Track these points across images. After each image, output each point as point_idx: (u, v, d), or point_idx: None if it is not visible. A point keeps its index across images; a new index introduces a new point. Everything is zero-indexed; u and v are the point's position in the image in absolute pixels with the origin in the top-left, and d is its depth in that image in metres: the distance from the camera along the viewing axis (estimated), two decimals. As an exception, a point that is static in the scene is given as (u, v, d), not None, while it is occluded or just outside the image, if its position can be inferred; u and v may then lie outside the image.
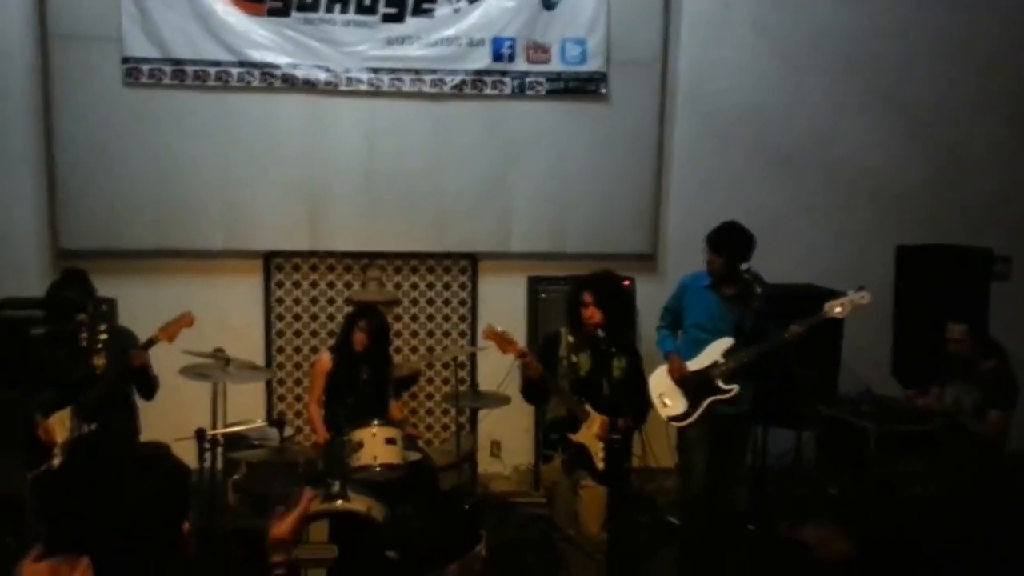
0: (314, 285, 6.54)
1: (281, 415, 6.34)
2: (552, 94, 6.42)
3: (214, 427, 4.86)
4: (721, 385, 4.93)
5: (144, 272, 6.21)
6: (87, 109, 6.08)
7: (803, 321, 4.88)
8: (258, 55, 6.16)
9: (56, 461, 4.31)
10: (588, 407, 4.42)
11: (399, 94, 6.32)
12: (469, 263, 6.65)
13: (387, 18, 6.25)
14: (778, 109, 6.73)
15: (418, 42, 6.29)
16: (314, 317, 6.55)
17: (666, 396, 5.00)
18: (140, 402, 4.84)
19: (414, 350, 6.64)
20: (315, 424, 5.22)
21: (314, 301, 6.55)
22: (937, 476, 5.14)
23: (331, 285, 6.56)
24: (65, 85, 6.05)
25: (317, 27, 6.19)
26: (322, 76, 6.23)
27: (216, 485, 4.87)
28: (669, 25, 6.53)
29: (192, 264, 6.31)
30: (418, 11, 6.26)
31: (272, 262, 6.48)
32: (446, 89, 6.34)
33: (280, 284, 6.52)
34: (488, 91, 6.37)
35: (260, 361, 6.17)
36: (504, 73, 6.37)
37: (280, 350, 6.55)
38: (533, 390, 4.55)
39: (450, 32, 6.30)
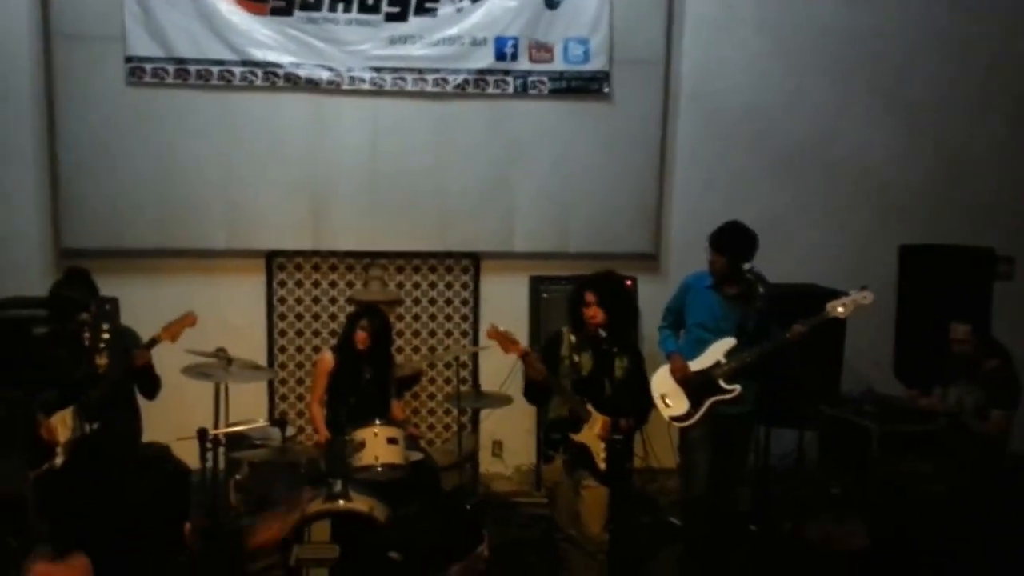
0: (316, 284, 6.54)
1: (283, 415, 6.35)
2: (555, 93, 6.42)
3: (216, 427, 4.86)
4: (723, 385, 4.92)
5: (147, 271, 6.22)
6: (90, 108, 6.08)
7: (806, 321, 4.88)
8: (261, 54, 6.16)
9: (58, 460, 4.32)
10: (590, 407, 4.42)
11: (402, 93, 6.32)
12: (471, 263, 6.65)
13: (390, 17, 6.24)
14: (780, 109, 6.73)
15: (421, 41, 6.28)
16: (316, 317, 6.55)
17: (668, 396, 5.00)
18: (142, 402, 4.84)
19: (416, 350, 6.65)
20: (317, 424, 5.22)
21: (316, 301, 6.55)
22: (940, 476, 5.14)
23: (333, 284, 6.56)
24: (68, 84, 6.05)
25: (320, 26, 6.19)
26: (325, 75, 6.23)
27: (218, 485, 4.87)
28: (672, 25, 6.53)
29: (194, 263, 6.32)
30: (421, 10, 6.26)
31: (274, 261, 6.49)
32: (449, 88, 6.34)
33: (282, 283, 6.52)
34: (491, 90, 6.37)
35: (262, 361, 6.18)
36: (507, 72, 6.37)
37: (282, 350, 6.55)
38: (536, 392, 4.55)
39: (453, 31, 6.29)
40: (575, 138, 6.50)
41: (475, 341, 6.56)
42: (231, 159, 6.25)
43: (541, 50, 6.38)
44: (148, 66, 6.09)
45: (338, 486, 4.44)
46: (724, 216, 5.11)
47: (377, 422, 4.77)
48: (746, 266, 4.94)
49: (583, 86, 6.44)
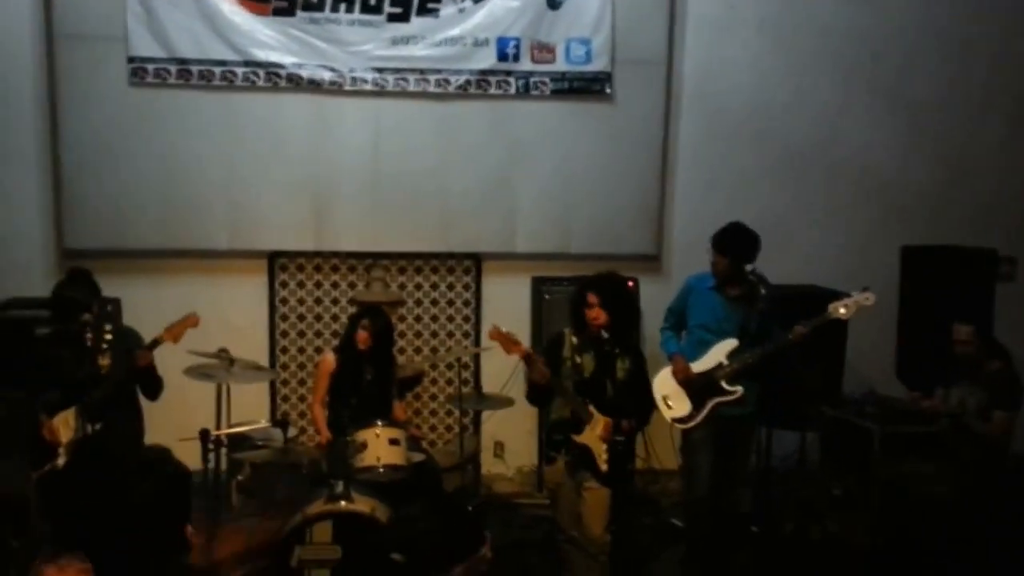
0: (318, 285, 6.54)
1: (285, 416, 6.33)
2: (557, 94, 6.42)
3: (218, 427, 4.87)
4: (725, 387, 4.92)
5: (149, 272, 6.22)
6: (92, 108, 6.09)
7: (807, 322, 4.88)
8: (263, 55, 6.16)
9: (60, 461, 4.32)
10: (592, 408, 4.42)
11: (404, 94, 6.31)
12: (473, 263, 6.65)
13: (392, 18, 6.24)
14: (782, 109, 6.72)
15: (423, 42, 6.28)
16: (318, 317, 6.55)
17: (670, 398, 4.99)
18: (144, 402, 4.84)
19: (418, 351, 6.64)
20: (318, 425, 5.22)
21: (318, 301, 6.55)
22: (942, 477, 5.14)
23: (335, 285, 6.56)
24: (71, 84, 6.06)
25: (322, 27, 6.19)
26: (327, 76, 6.23)
27: (220, 486, 4.88)
28: (674, 25, 6.52)
29: (197, 264, 6.32)
30: (423, 11, 6.26)
31: (276, 262, 6.49)
32: (451, 89, 6.34)
33: (284, 284, 6.52)
34: (493, 91, 6.37)
35: (264, 361, 6.17)
36: (509, 73, 6.36)
37: (284, 350, 6.55)
38: (538, 393, 4.55)
39: (455, 32, 6.29)
40: (577, 139, 6.49)
41: (477, 342, 6.56)
42: (233, 159, 6.25)
43: (543, 51, 6.38)
44: (150, 66, 6.09)
45: (340, 487, 4.44)
46: (726, 217, 5.11)
47: (379, 423, 4.78)
48: (748, 267, 4.93)
49: (585, 87, 6.43)
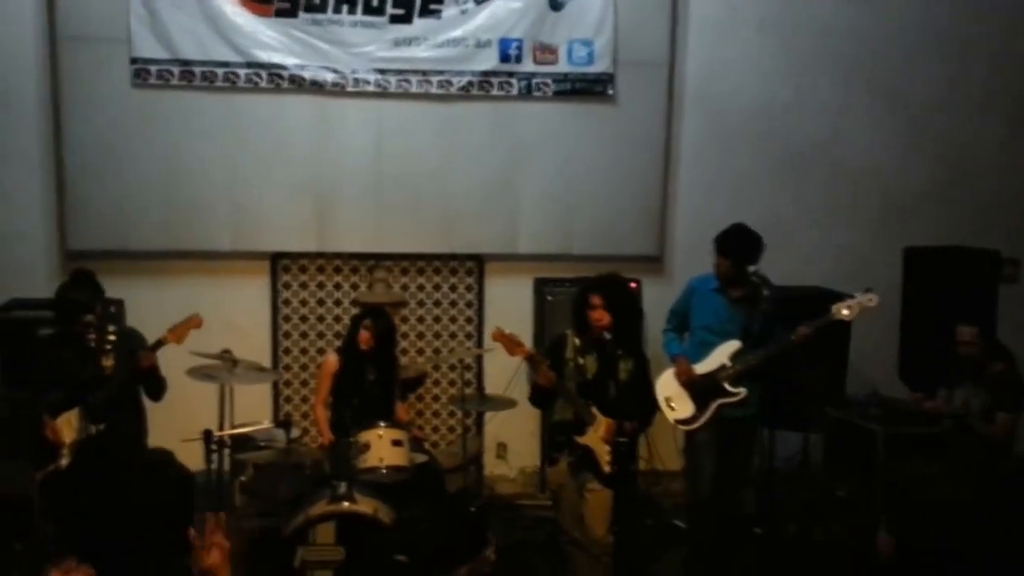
0: (321, 286, 6.55)
1: (288, 416, 6.33)
2: (559, 95, 6.42)
3: (221, 428, 4.87)
4: (728, 388, 4.92)
5: (152, 273, 6.22)
6: (95, 110, 6.09)
7: (810, 323, 4.88)
8: (266, 56, 6.16)
9: (64, 462, 4.32)
10: (594, 410, 4.42)
11: (406, 95, 6.31)
12: (476, 265, 6.64)
13: (394, 19, 6.24)
14: (783, 109, 6.72)
15: (425, 43, 6.29)
16: (321, 318, 6.55)
17: (673, 399, 4.99)
18: (148, 403, 4.85)
19: (420, 352, 6.64)
20: (321, 426, 5.23)
21: (321, 302, 6.55)
22: (946, 479, 5.13)
23: (338, 286, 6.56)
24: (74, 86, 6.06)
25: (324, 28, 6.19)
26: (329, 77, 6.23)
27: (223, 486, 4.88)
28: (676, 26, 6.52)
29: (199, 265, 6.32)
30: (425, 12, 6.26)
31: (279, 263, 6.49)
32: (453, 90, 6.34)
33: (287, 285, 6.52)
34: (495, 92, 6.37)
35: (267, 362, 6.18)
36: (511, 74, 6.36)
37: (287, 351, 6.55)
38: (542, 396, 4.54)
39: (457, 33, 6.29)
40: (579, 140, 6.49)
41: (479, 343, 6.56)
42: (236, 161, 6.25)
43: (545, 52, 6.38)
44: (153, 68, 6.09)
45: (343, 488, 4.44)
46: (728, 218, 5.11)
47: (381, 424, 4.78)
48: (751, 268, 4.93)
49: (587, 88, 6.43)
